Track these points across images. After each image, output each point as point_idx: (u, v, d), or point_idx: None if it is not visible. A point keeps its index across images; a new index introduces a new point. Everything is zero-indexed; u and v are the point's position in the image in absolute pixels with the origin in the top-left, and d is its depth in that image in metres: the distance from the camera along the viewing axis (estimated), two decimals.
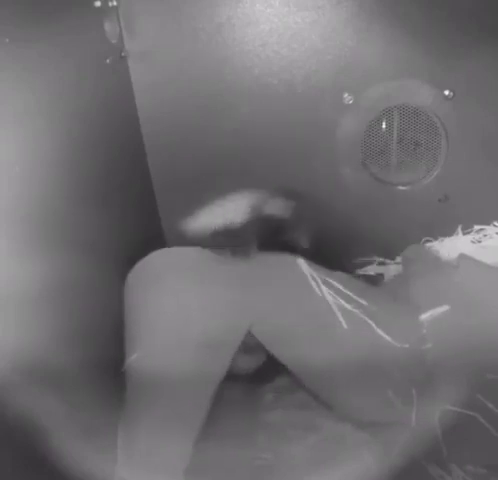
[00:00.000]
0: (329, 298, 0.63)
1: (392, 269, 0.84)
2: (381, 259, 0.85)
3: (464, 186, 0.81)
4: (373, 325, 0.63)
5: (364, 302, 0.65)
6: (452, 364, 0.61)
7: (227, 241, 0.67)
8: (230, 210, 0.68)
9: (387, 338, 0.62)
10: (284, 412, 0.64)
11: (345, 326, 0.61)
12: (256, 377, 0.68)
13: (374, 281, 0.82)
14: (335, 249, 0.85)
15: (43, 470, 0.48)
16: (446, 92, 0.75)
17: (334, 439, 0.59)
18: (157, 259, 0.68)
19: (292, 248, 0.69)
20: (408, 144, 0.80)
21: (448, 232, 0.83)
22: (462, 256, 0.72)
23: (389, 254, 0.85)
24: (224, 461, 0.56)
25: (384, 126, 0.79)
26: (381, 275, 0.84)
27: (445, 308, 0.66)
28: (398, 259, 0.84)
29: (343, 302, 0.64)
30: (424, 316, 0.66)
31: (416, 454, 0.55)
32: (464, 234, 0.82)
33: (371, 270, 0.85)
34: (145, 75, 0.75)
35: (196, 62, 0.75)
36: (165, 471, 0.55)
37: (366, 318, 0.63)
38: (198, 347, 0.59)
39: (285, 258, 0.67)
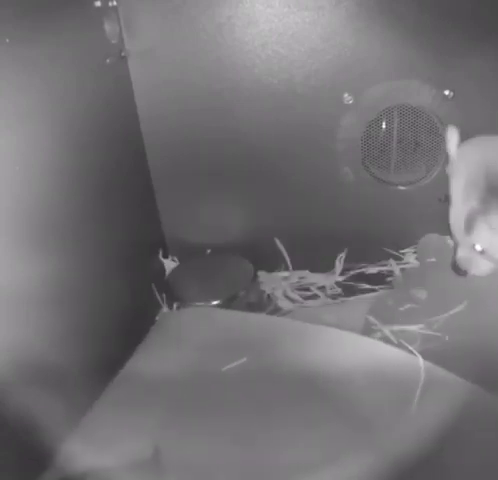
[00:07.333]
0: None
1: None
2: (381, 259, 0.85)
3: None
4: None
5: None
6: (464, 361, 0.61)
7: None
8: None
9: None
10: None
11: None
12: None
13: (375, 280, 0.82)
14: (335, 249, 0.85)
15: (43, 470, 0.48)
16: (446, 92, 0.75)
17: (336, 438, 0.58)
18: None
19: None
20: (408, 144, 0.80)
21: (448, 232, 0.83)
22: None
23: (389, 254, 0.85)
24: (223, 460, 0.56)
25: (384, 126, 0.79)
26: (382, 274, 0.84)
27: (462, 305, 0.66)
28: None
29: None
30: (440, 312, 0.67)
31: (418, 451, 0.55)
32: None
33: (371, 269, 0.85)
34: (145, 75, 0.75)
35: (196, 62, 0.75)
36: None
37: None
38: None
39: None
